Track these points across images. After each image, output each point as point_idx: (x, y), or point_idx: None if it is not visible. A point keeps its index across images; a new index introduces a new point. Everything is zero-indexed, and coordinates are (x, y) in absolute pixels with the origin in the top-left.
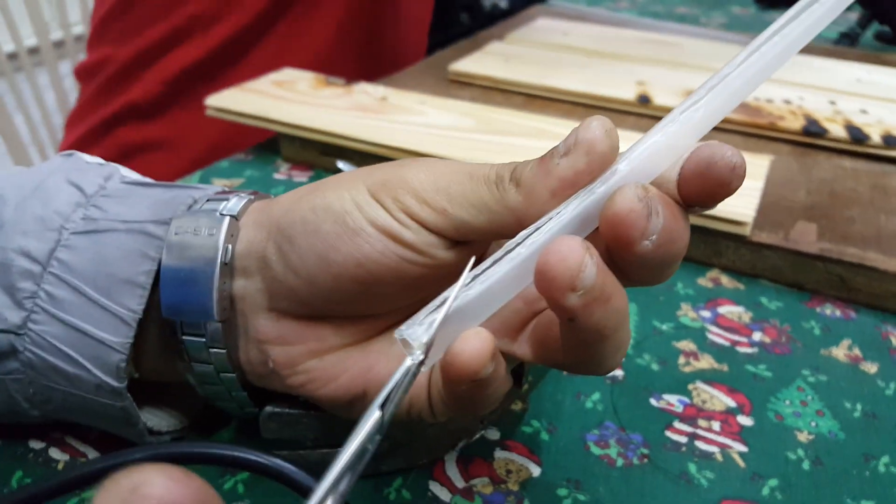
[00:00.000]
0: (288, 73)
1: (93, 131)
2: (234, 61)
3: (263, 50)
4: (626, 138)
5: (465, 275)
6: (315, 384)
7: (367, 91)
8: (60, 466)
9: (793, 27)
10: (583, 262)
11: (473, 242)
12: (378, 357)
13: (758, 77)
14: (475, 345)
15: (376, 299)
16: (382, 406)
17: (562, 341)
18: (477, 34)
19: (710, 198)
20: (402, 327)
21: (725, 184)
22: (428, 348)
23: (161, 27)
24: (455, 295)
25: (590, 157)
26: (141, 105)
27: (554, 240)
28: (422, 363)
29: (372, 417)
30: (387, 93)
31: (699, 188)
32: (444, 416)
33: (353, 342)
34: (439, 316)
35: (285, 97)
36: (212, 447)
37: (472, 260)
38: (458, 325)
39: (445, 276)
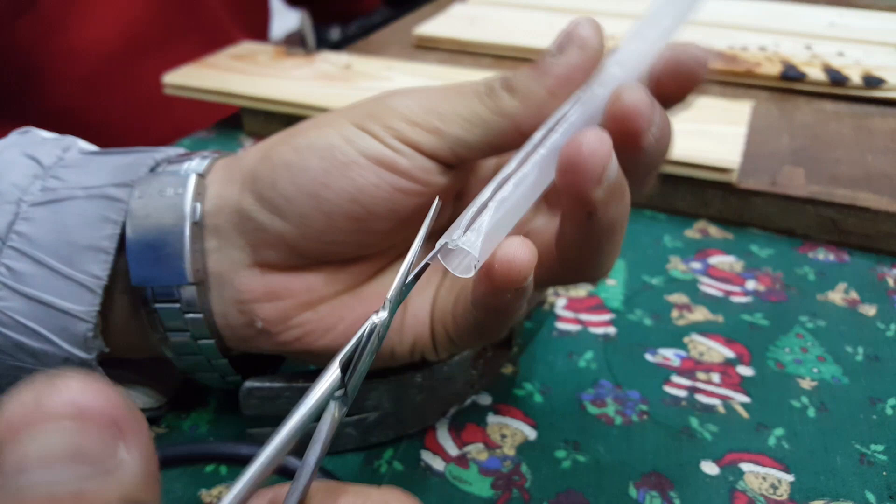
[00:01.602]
0: (247, 47)
1: None
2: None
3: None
4: None
5: (498, 180)
6: (311, 337)
7: (329, 59)
8: None
9: None
10: (611, 154)
11: (467, 165)
12: (373, 301)
13: None
14: (525, 250)
15: (369, 237)
16: (346, 368)
17: (565, 246)
18: None
19: (682, 91)
20: (451, 237)
21: (693, 78)
22: (473, 262)
23: None
24: (490, 197)
25: (584, 52)
26: None
27: (578, 133)
28: (389, 323)
29: (331, 376)
30: (350, 60)
31: (672, 84)
32: (448, 352)
33: (345, 289)
34: (486, 217)
35: (246, 70)
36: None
37: (437, 200)
38: (495, 234)
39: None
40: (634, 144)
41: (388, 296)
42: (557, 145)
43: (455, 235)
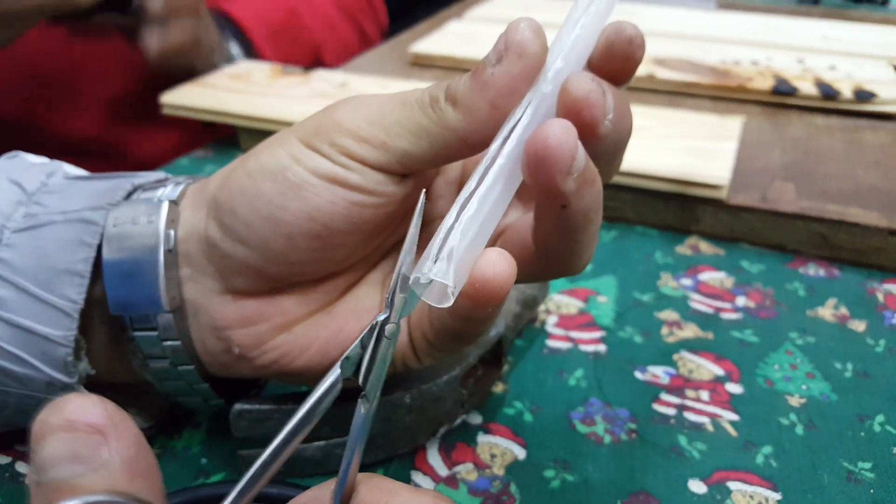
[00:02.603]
0: (244, 66)
1: None
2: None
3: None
4: None
5: (418, 207)
6: (287, 359)
7: (325, 78)
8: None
9: None
10: (577, 142)
11: (421, 173)
12: (346, 318)
13: None
14: (503, 264)
15: (334, 252)
16: (357, 371)
17: (541, 240)
18: (436, 14)
19: (621, 73)
20: (421, 270)
21: (630, 56)
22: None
23: None
24: (455, 219)
25: (523, 60)
26: None
27: (542, 126)
28: (387, 319)
29: (331, 376)
30: (346, 78)
31: (610, 66)
32: (430, 360)
33: (317, 308)
34: (454, 242)
35: (242, 90)
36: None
37: (423, 194)
38: (469, 255)
39: (398, 213)
40: (592, 133)
41: (387, 294)
42: (516, 153)
43: (425, 269)
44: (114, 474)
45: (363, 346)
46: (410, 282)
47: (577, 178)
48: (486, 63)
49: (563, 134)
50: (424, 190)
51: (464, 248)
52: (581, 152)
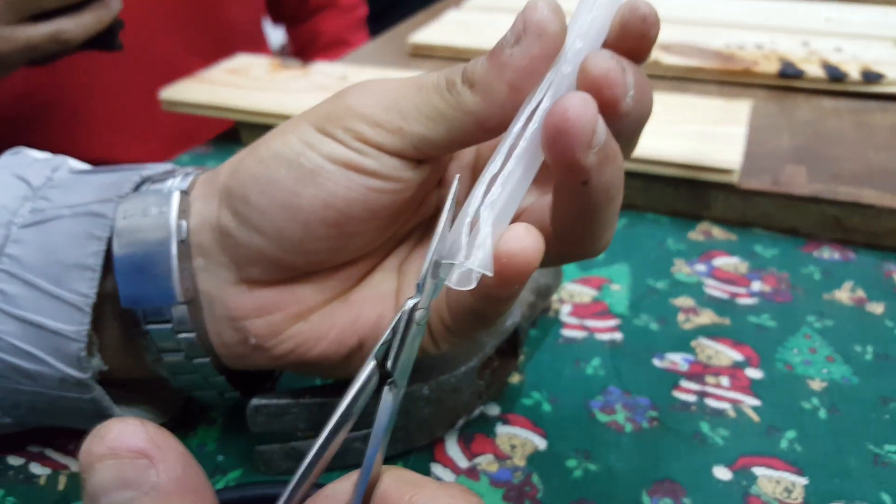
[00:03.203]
0: (242, 60)
1: None
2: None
3: None
4: None
5: (454, 190)
6: (304, 348)
7: (324, 71)
8: (42, 482)
9: None
10: (597, 115)
11: (437, 158)
12: (363, 305)
13: None
14: (531, 238)
15: (350, 240)
16: (385, 358)
17: (561, 220)
18: (434, 4)
19: (637, 52)
20: (453, 258)
21: (645, 34)
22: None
23: None
24: (479, 204)
25: (543, 39)
26: None
27: (561, 99)
28: (416, 305)
29: (367, 368)
30: (346, 71)
31: (625, 45)
32: (447, 346)
33: (334, 296)
34: (483, 227)
35: (242, 84)
36: None
37: (457, 179)
38: (496, 232)
39: (414, 199)
40: (614, 111)
41: (419, 279)
42: (539, 136)
43: (460, 256)
44: (165, 495)
45: (393, 332)
46: (441, 269)
47: (598, 153)
48: (504, 44)
49: (582, 106)
50: (458, 175)
51: (489, 230)
52: (601, 126)
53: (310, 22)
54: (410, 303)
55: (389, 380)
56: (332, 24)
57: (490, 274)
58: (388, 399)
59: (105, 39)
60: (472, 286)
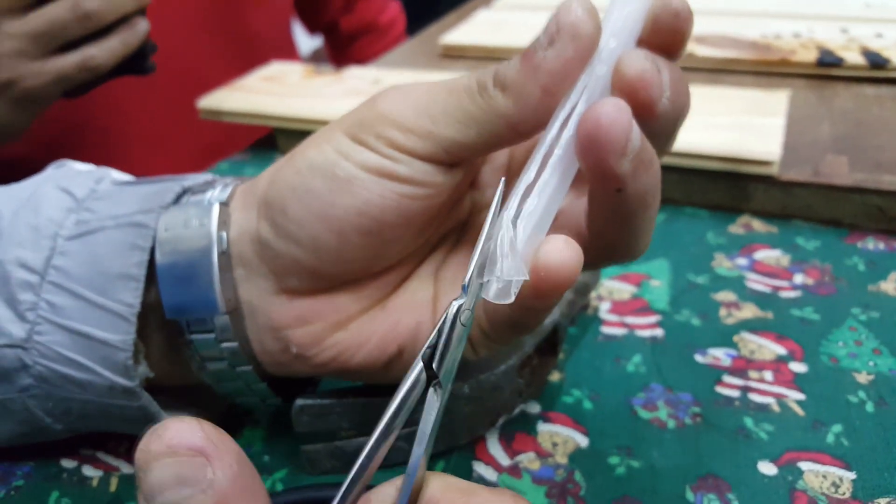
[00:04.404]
0: (277, 68)
1: None
2: None
3: None
4: None
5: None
6: (345, 356)
7: (358, 75)
8: (95, 483)
9: None
10: (632, 121)
11: (469, 162)
12: (402, 311)
13: None
14: (570, 251)
15: (386, 247)
16: (431, 360)
17: (596, 226)
18: (464, 4)
19: (671, 48)
20: (491, 273)
21: (678, 30)
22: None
23: None
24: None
25: (577, 41)
26: None
27: (594, 105)
28: (461, 307)
29: (414, 371)
30: (379, 74)
31: (657, 42)
32: (485, 351)
33: (372, 304)
34: (520, 236)
35: (277, 91)
36: None
37: (503, 182)
38: (532, 243)
39: (447, 204)
40: (650, 113)
41: (465, 280)
42: (574, 143)
43: (499, 270)
44: (221, 493)
45: (439, 334)
46: (483, 282)
47: (633, 160)
48: (537, 46)
49: (615, 113)
50: (504, 178)
51: (525, 240)
52: (636, 132)
53: (349, 51)
54: (456, 304)
55: (435, 381)
56: (373, 51)
57: (527, 278)
58: (433, 400)
59: (137, 63)
60: (511, 300)
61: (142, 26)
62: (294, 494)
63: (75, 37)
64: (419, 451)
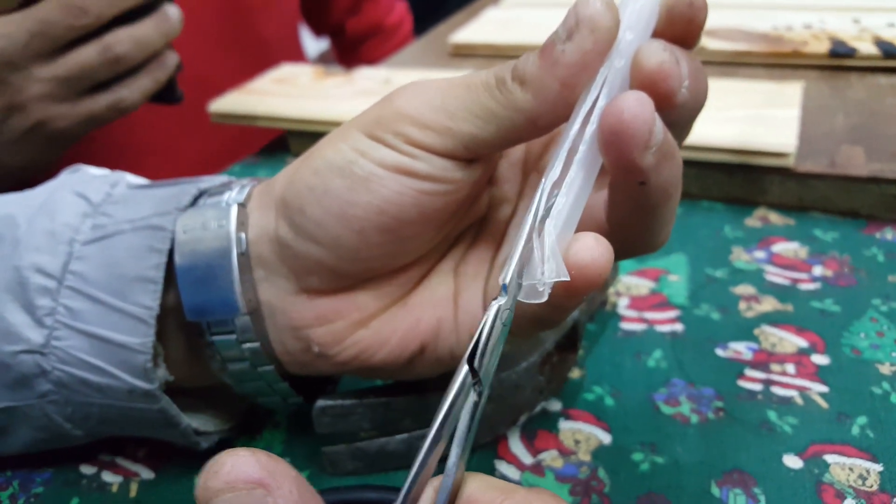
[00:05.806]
0: (287, 70)
1: None
2: None
3: None
4: None
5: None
6: (367, 354)
7: (368, 76)
8: (115, 489)
9: None
10: (654, 114)
11: (488, 156)
12: (423, 309)
13: None
14: (601, 249)
15: (405, 244)
16: (472, 360)
17: (617, 218)
18: (472, 2)
19: (686, 38)
20: (534, 277)
21: (692, 19)
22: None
23: None
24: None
25: (596, 35)
26: None
27: (616, 99)
28: (500, 306)
29: (462, 370)
30: (389, 74)
31: (672, 32)
32: (507, 346)
33: (393, 301)
34: (549, 238)
35: (288, 93)
36: None
37: (543, 181)
38: (561, 242)
39: (466, 200)
40: (670, 104)
41: (506, 280)
42: (597, 138)
43: (541, 273)
44: None
45: (480, 335)
46: (523, 283)
47: (656, 153)
48: (556, 40)
49: (638, 106)
50: (544, 179)
51: (555, 241)
52: (659, 125)
53: (356, 53)
54: (496, 305)
55: (475, 380)
56: (380, 52)
57: (569, 279)
58: (472, 400)
59: (166, 94)
60: (544, 300)
61: (171, 60)
62: (333, 495)
63: (105, 79)
64: (457, 450)
